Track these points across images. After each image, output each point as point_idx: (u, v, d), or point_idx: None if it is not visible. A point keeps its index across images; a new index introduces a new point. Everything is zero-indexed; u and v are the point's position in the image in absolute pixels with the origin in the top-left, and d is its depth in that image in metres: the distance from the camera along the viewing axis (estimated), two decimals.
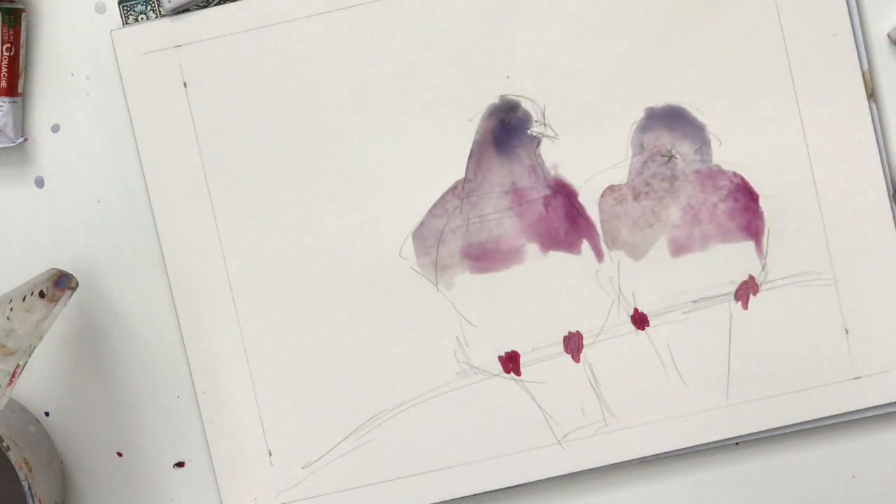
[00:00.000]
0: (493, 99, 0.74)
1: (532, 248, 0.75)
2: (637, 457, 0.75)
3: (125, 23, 0.75)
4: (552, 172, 0.75)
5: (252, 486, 0.75)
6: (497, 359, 0.75)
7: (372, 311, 0.75)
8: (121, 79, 0.74)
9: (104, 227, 0.76)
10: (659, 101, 0.75)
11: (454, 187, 0.75)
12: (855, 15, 0.74)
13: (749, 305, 0.75)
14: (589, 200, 0.75)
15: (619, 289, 0.75)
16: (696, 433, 0.75)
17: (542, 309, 0.75)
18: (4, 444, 0.69)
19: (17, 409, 0.74)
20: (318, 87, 0.74)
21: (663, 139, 0.75)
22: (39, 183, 0.76)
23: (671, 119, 0.75)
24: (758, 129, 0.75)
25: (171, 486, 0.76)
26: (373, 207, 0.75)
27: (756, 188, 0.75)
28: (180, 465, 0.76)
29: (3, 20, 0.73)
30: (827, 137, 0.75)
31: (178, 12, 0.74)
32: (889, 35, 0.75)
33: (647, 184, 0.75)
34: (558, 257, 0.75)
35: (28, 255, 0.76)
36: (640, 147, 0.75)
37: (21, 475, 0.68)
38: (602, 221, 0.75)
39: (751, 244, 0.75)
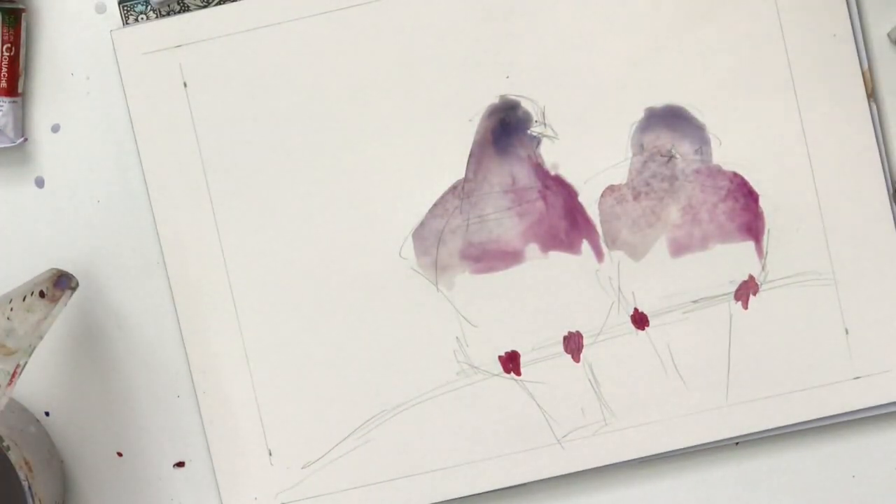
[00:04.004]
0: (492, 99, 0.74)
1: (532, 248, 0.75)
2: (637, 457, 0.75)
3: (125, 23, 0.75)
4: (552, 172, 0.75)
5: (252, 486, 0.75)
6: (497, 359, 0.75)
7: (372, 311, 0.75)
8: (121, 79, 0.74)
9: (104, 227, 0.76)
10: (659, 101, 0.75)
11: (454, 187, 0.75)
12: (855, 15, 0.74)
13: (749, 305, 0.75)
14: (589, 200, 0.75)
15: (619, 289, 0.75)
16: (696, 433, 0.75)
17: (542, 309, 0.75)
18: (4, 444, 0.69)
19: (17, 409, 0.74)
20: (318, 87, 0.74)
21: (663, 139, 0.75)
22: (39, 183, 0.76)
23: (671, 119, 0.75)
24: (758, 129, 0.75)
25: (171, 486, 0.76)
26: (373, 207, 0.75)
27: (756, 188, 0.75)
28: (180, 465, 0.76)
29: (3, 20, 0.73)
30: (827, 137, 0.75)
31: (168, 5, 0.74)
32: (889, 35, 0.75)
33: (647, 184, 0.75)
34: (558, 257, 0.75)
35: (28, 255, 0.76)
36: (640, 147, 0.75)
37: (21, 475, 0.68)
38: (602, 221, 0.75)
39: (751, 244, 0.75)
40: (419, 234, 0.75)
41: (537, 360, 0.75)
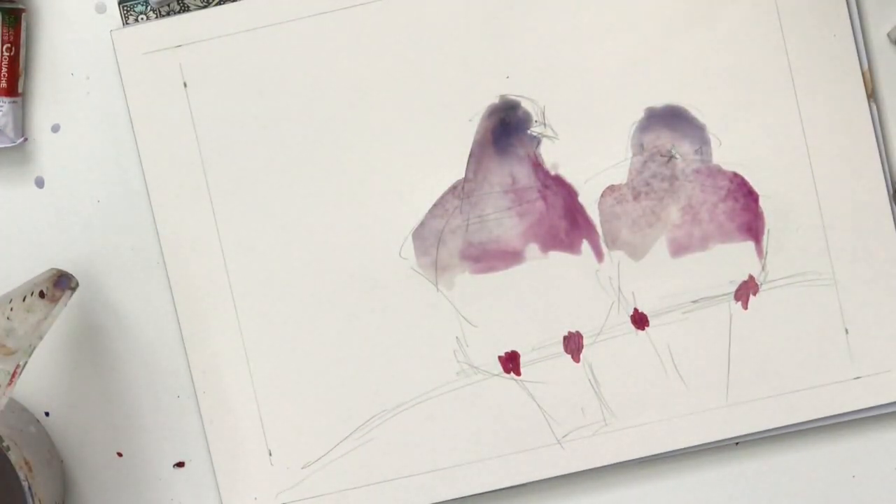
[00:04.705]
0: (493, 99, 0.74)
1: (532, 248, 0.75)
2: (637, 457, 0.75)
3: (125, 23, 0.75)
4: (552, 172, 0.75)
5: (252, 486, 0.75)
6: (497, 359, 0.75)
7: (372, 311, 0.75)
8: (121, 79, 0.74)
9: (104, 227, 0.76)
10: (659, 101, 0.75)
11: (454, 187, 0.75)
12: (855, 15, 0.74)
13: (749, 305, 0.75)
14: (589, 200, 0.75)
15: (619, 289, 0.75)
16: (696, 433, 0.75)
17: (542, 309, 0.75)
18: (4, 444, 0.69)
19: (17, 409, 0.74)
20: (318, 88, 0.74)
21: (663, 139, 0.75)
22: (39, 183, 0.76)
23: (671, 119, 0.75)
24: (758, 129, 0.75)
25: (171, 486, 0.76)
26: (373, 207, 0.75)
27: (756, 188, 0.75)
28: (180, 465, 0.76)
29: (3, 20, 0.73)
30: (827, 137, 0.75)
31: (168, 5, 0.74)
32: (889, 35, 0.75)
33: (647, 184, 0.75)
34: (558, 257, 0.75)
35: (28, 255, 0.76)
36: (640, 147, 0.75)
37: (21, 475, 0.68)
38: (602, 221, 0.75)
39: (751, 244, 0.75)
40: (419, 234, 0.75)
41: (537, 360, 0.75)
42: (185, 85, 0.74)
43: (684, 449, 0.75)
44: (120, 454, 0.76)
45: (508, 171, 0.75)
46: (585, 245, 0.75)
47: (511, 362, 0.75)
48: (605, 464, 0.75)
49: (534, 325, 0.75)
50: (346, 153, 0.75)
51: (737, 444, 0.76)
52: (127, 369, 0.76)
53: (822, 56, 0.74)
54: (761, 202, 0.75)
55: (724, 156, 0.75)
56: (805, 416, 0.75)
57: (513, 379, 0.75)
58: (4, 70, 0.74)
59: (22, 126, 0.75)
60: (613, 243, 0.75)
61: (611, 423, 0.75)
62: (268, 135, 0.75)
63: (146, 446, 0.76)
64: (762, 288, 0.75)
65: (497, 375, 0.75)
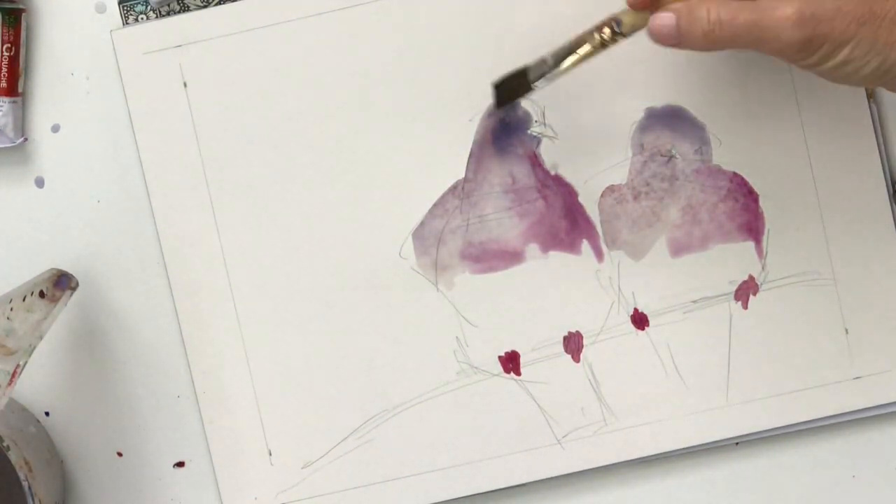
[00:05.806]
0: (493, 99, 0.74)
1: (532, 248, 0.75)
2: (637, 457, 0.75)
3: (125, 23, 0.75)
4: (552, 172, 0.75)
5: (252, 486, 0.75)
6: (497, 359, 0.75)
7: (372, 311, 0.75)
8: (121, 79, 0.74)
9: (104, 227, 0.76)
10: (659, 101, 0.75)
11: (454, 187, 0.75)
12: None
13: (749, 305, 0.75)
14: (589, 200, 0.75)
15: (619, 289, 0.75)
16: (696, 433, 0.75)
17: (542, 309, 0.75)
18: (4, 444, 0.69)
19: (17, 409, 0.74)
20: (318, 88, 0.74)
21: (663, 139, 0.75)
22: (39, 183, 0.76)
23: (671, 119, 0.75)
24: (758, 129, 0.75)
25: (171, 486, 0.76)
26: (373, 207, 0.75)
27: (756, 188, 0.75)
28: (180, 465, 0.76)
29: (3, 20, 0.73)
30: (827, 137, 0.75)
31: (168, 5, 0.74)
32: None
33: (647, 184, 0.75)
34: (558, 257, 0.75)
35: (28, 255, 0.75)
36: (640, 147, 0.75)
37: (21, 475, 0.68)
38: (602, 221, 0.75)
39: (751, 244, 0.75)
40: (419, 234, 0.75)
41: (537, 360, 0.75)
42: (185, 85, 0.74)
43: (684, 449, 0.75)
44: (120, 454, 0.76)
45: (508, 171, 0.75)
46: (585, 245, 0.75)
47: (511, 362, 0.75)
48: (605, 464, 0.75)
49: (534, 325, 0.75)
50: (346, 153, 0.75)
51: (737, 444, 0.76)
52: (127, 369, 0.76)
53: None
54: (761, 202, 0.75)
55: (724, 156, 0.75)
56: (805, 416, 0.75)
57: (513, 379, 0.75)
58: (4, 70, 0.74)
59: (22, 126, 0.75)
60: (613, 243, 0.75)
61: (611, 423, 0.75)
62: (268, 135, 0.75)
63: (146, 446, 0.76)
64: (762, 288, 0.75)
65: (497, 375, 0.75)
